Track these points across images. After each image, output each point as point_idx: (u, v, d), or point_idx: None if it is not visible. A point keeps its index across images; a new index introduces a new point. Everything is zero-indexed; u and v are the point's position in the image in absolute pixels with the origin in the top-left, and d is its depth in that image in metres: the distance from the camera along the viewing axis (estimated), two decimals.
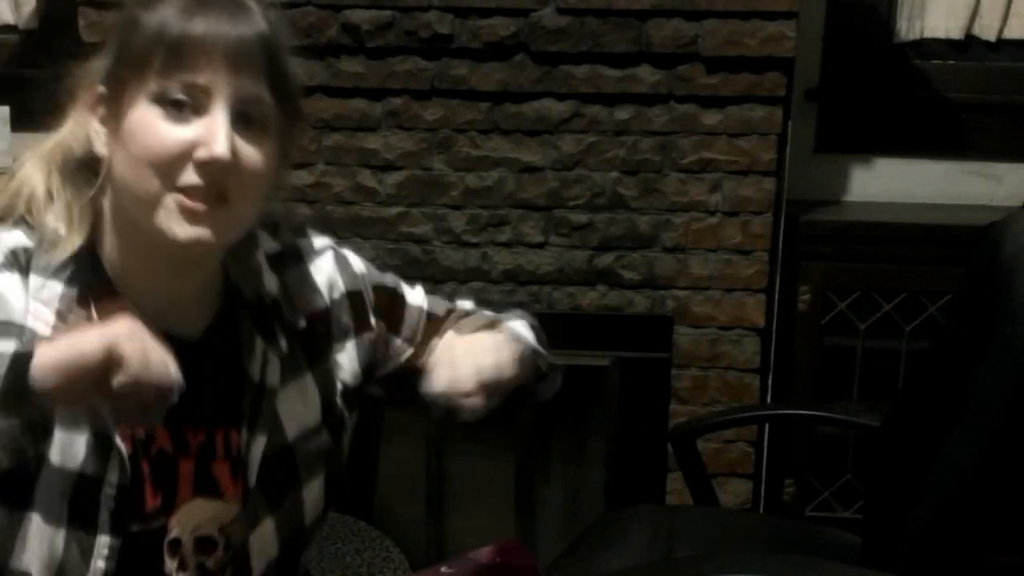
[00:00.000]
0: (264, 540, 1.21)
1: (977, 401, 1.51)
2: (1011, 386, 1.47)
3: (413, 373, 1.29)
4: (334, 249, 1.32)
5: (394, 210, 2.51)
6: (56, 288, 1.10)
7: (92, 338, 0.95)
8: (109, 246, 1.15)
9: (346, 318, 1.29)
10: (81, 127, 1.15)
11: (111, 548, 1.12)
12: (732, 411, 2.50)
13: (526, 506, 2.68)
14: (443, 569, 1.35)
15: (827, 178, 2.80)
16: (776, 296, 2.57)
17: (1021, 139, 2.76)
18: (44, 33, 2.78)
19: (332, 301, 1.29)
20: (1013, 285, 1.50)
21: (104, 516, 1.11)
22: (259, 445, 1.19)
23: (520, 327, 1.39)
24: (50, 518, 1.10)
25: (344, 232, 2.40)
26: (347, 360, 1.29)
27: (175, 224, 1.08)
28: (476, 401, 1.15)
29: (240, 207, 1.11)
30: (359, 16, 2.40)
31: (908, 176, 2.80)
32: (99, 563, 1.11)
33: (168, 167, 1.07)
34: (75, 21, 2.41)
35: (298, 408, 1.23)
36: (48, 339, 1.00)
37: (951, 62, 2.77)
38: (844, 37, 2.74)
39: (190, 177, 1.07)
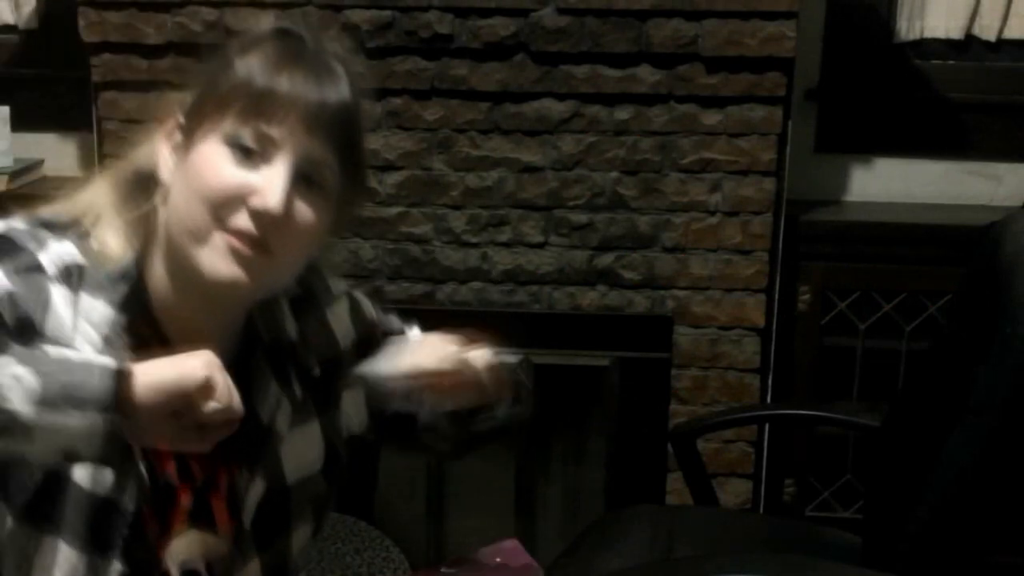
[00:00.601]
0: None
1: (977, 401, 1.51)
2: (1011, 386, 1.47)
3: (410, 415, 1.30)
4: (350, 296, 1.34)
5: (394, 210, 2.51)
6: (105, 311, 1.11)
7: (195, 363, 1.00)
8: (155, 272, 1.16)
9: (354, 366, 1.29)
10: (154, 151, 1.17)
11: (121, 575, 1.13)
12: (732, 411, 2.50)
13: (526, 506, 2.68)
14: (443, 569, 1.35)
15: (827, 178, 2.80)
16: (776, 296, 2.57)
17: (1021, 139, 2.76)
18: (44, 33, 2.78)
19: (345, 349, 1.30)
20: (1013, 285, 1.49)
21: (118, 542, 1.12)
22: (258, 487, 1.21)
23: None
24: (74, 542, 1.11)
25: (344, 232, 2.40)
26: (355, 408, 1.31)
27: (218, 261, 1.09)
28: (416, 393, 1.16)
29: (282, 261, 1.13)
30: (359, 16, 2.40)
31: (908, 176, 2.80)
32: None
33: (222, 206, 1.09)
34: (75, 21, 2.42)
35: (302, 454, 1.25)
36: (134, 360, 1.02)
37: (951, 62, 2.77)
38: (844, 37, 2.74)
39: (241, 221, 1.09)
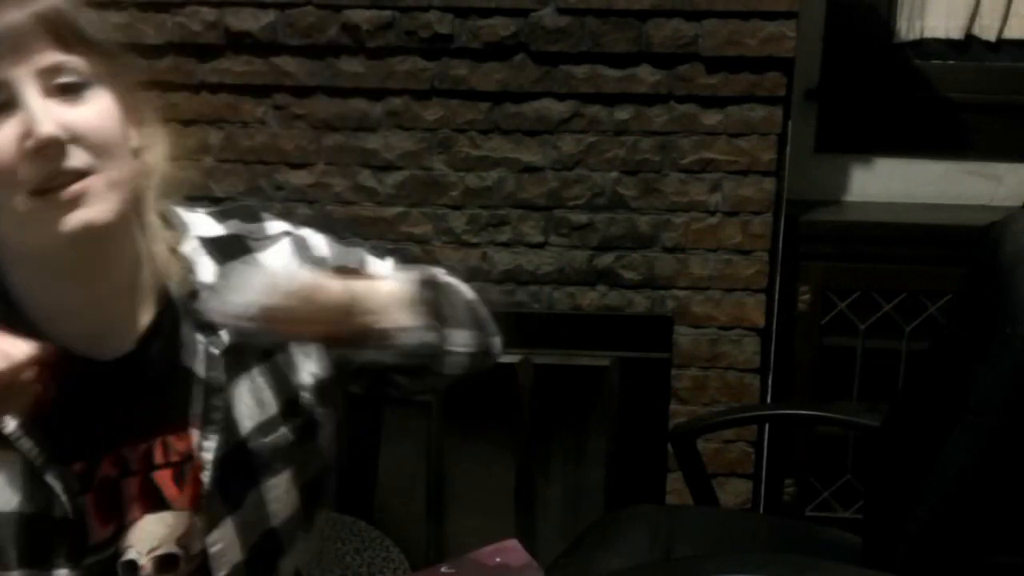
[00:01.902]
0: (225, 542, 1.18)
1: (977, 401, 1.51)
2: (1011, 386, 1.47)
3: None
4: (290, 234, 1.26)
5: (394, 210, 2.51)
6: None
7: None
8: (14, 279, 1.11)
9: None
10: None
11: None
12: (732, 411, 2.50)
13: (526, 506, 2.68)
14: (443, 569, 1.35)
15: (827, 178, 2.80)
16: (776, 296, 2.57)
17: (1021, 139, 2.76)
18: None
19: None
20: (1013, 285, 1.49)
21: (60, 552, 1.10)
22: (212, 444, 1.16)
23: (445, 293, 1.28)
24: (11, 564, 1.08)
25: (345, 232, 2.40)
26: (311, 351, 1.24)
27: (53, 223, 1.04)
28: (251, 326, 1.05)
29: (104, 170, 1.06)
30: (359, 16, 2.40)
31: (908, 176, 2.80)
32: None
33: (10, 174, 1.03)
34: None
35: (251, 403, 1.20)
36: None
37: (951, 62, 2.77)
38: (844, 37, 2.74)
39: (36, 171, 1.03)
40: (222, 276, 1.17)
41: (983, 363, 1.51)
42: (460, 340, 1.26)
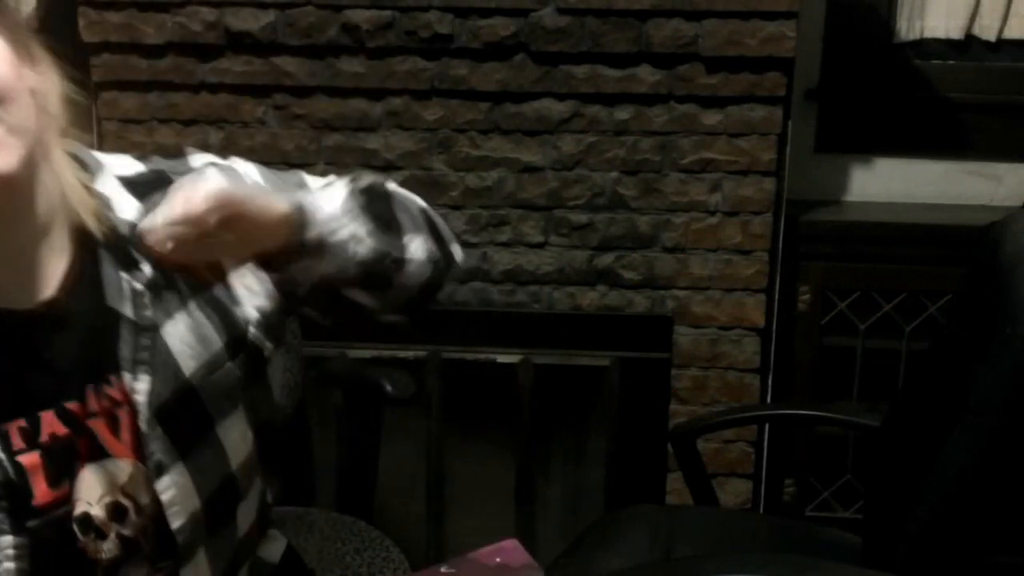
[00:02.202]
0: (177, 489, 1.14)
1: (977, 401, 1.51)
2: (1011, 386, 1.47)
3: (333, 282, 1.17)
4: (216, 164, 1.20)
5: None
6: None
7: None
8: None
9: None
10: None
11: (19, 547, 1.08)
12: (732, 411, 2.50)
13: (526, 506, 2.68)
14: (443, 569, 1.35)
15: (827, 178, 2.80)
16: (776, 296, 2.57)
17: (1021, 139, 2.76)
18: (44, 33, 2.78)
19: None
20: (1013, 285, 1.49)
21: (1, 516, 1.07)
22: (144, 387, 1.12)
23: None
24: None
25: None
26: (254, 283, 1.19)
27: None
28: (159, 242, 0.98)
29: (3, 116, 1.03)
30: (359, 16, 2.40)
31: (908, 176, 2.80)
32: (7, 565, 1.08)
33: None
34: (75, 21, 2.42)
35: (191, 341, 1.15)
36: None
37: (951, 62, 2.77)
38: (844, 37, 2.74)
39: None
40: (148, 210, 1.10)
41: (983, 363, 1.51)
42: (416, 246, 1.22)
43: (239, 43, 2.42)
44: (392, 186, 1.25)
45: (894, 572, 1.56)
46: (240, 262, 1.10)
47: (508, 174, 2.49)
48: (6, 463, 1.07)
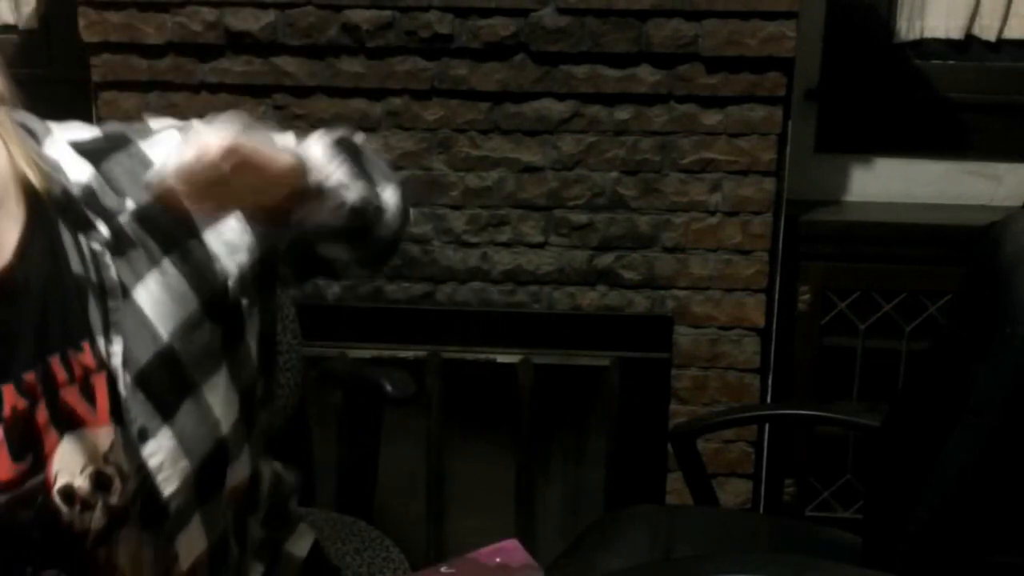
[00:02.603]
0: (166, 453, 1.11)
1: (977, 401, 1.51)
2: (1011, 386, 1.47)
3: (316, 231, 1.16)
4: (175, 128, 1.18)
5: None
6: None
7: None
8: None
9: None
10: None
11: None
12: (732, 411, 2.50)
13: (526, 506, 2.68)
14: (443, 569, 1.35)
15: (827, 178, 2.80)
16: (776, 296, 2.57)
17: (1021, 139, 2.76)
18: (44, 33, 2.78)
19: None
20: (1013, 285, 1.49)
21: None
22: (118, 349, 1.09)
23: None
24: None
25: None
26: (236, 236, 1.16)
27: None
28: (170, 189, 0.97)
29: None
30: (359, 16, 2.40)
31: (908, 176, 2.80)
32: None
33: None
34: (75, 21, 2.42)
35: (166, 300, 1.12)
36: None
37: (951, 62, 2.77)
38: (844, 37, 2.74)
39: None
40: (104, 172, 1.11)
41: (983, 363, 1.51)
42: (388, 195, 1.22)
43: (239, 43, 2.42)
44: (360, 138, 1.25)
45: (894, 572, 1.56)
46: (248, 209, 1.09)
47: (508, 174, 2.49)
48: None
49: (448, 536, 2.72)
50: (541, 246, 2.53)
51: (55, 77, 2.76)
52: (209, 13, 2.40)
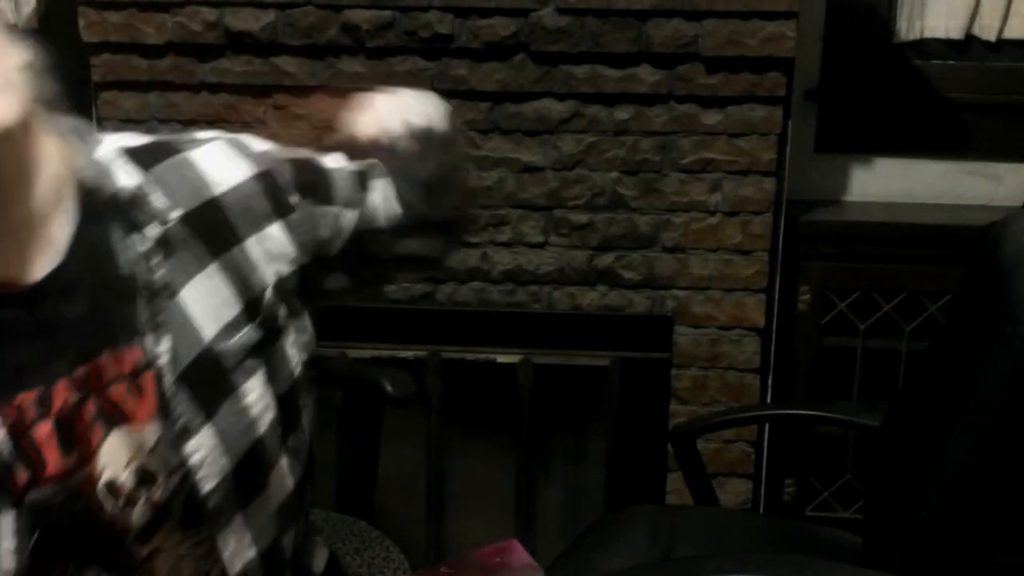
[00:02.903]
0: (207, 450, 1.14)
1: (977, 401, 1.51)
2: (1011, 386, 1.47)
3: (369, 237, 1.31)
4: (223, 139, 1.23)
5: None
6: None
7: None
8: None
9: (259, 202, 1.20)
10: None
11: (20, 522, 1.06)
12: (732, 411, 2.50)
13: (526, 506, 2.68)
14: (443, 569, 1.35)
15: (827, 178, 2.80)
16: (776, 296, 2.57)
17: (1021, 139, 2.76)
18: (44, 33, 2.78)
19: (231, 187, 1.18)
20: (1013, 285, 1.49)
21: (3, 490, 1.05)
22: (166, 347, 1.12)
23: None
24: None
25: None
26: (277, 247, 1.21)
27: None
28: (408, 144, 1.20)
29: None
30: (359, 16, 2.40)
31: (908, 176, 2.80)
32: (6, 543, 1.06)
33: None
34: (75, 21, 2.42)
35: (210, 302, 1.15)
36: None
37: (951, 62, 2.77)
38: (844, 37, 2.74)
39: None
40: (153, 178, 1.15)
41: (983, 363, 1.51)
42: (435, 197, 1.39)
43: (239, 43, 2.42)
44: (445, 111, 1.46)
45: (894, 572, 1.56)
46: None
47: (508, 174, 2.49)
48: (4, 441, 1.05)
49: (448, 536, 2.72)
50: (541, 246, 2.53)
51: (55, 77, 2.76)
52: (209, 13, 2.40)
